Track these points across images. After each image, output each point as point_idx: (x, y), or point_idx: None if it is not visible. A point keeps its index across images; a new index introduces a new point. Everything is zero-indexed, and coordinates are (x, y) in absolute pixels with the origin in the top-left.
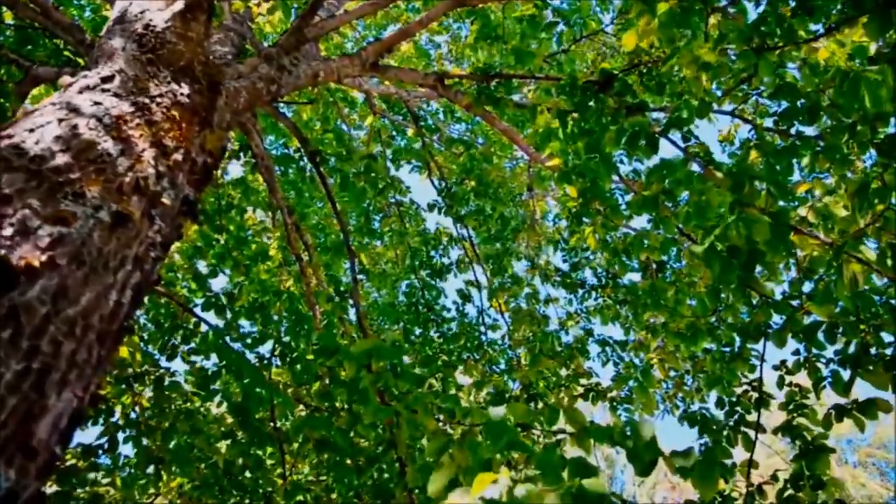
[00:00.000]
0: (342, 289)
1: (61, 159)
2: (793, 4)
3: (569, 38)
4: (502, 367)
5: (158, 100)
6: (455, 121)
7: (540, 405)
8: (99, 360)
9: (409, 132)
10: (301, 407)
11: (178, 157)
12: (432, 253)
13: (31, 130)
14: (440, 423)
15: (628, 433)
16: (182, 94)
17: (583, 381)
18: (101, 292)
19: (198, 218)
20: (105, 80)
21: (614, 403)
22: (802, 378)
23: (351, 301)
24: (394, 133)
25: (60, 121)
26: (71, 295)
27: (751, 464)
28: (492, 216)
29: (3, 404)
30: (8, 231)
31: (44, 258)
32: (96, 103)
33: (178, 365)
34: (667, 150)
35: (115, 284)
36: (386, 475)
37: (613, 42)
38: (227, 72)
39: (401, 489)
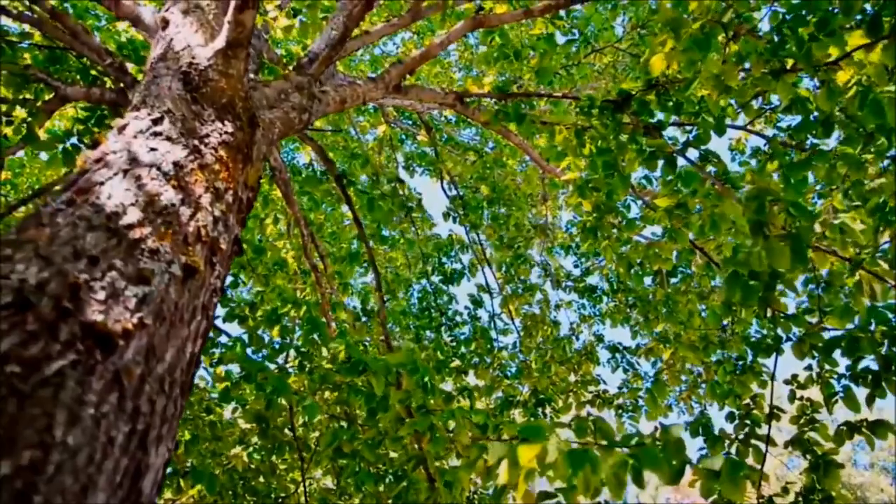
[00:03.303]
0: (369, 307)
1: (133, 215)
2: (807, 19)
3: (583, 52)
4: (513, 371)
5: (206, 140)
6: (464, 125)
7: (548, 410)
8: (181, 410)
9: (420, 138)
10: (321, 415)
11: (228, 198)
12: (443, 259)
13: (102, 184)
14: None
15: (657, 441)
16: (226, 132)
17: (590, 387)
18: (180, 346)
19: (243, 252)
20: (155, 122)
21: (620, 411)
22: (813, 393)
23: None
24: (403, 137)
25: (125, 172)
26: (158, 353)
27: (761, 477)
28: (506, 223)
29: (118, 466)
30: (101, 295)
31: (134, 320)
32: (152, 149)
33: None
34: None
35: (190, 336)
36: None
37: (625, 55)
38: (256, 96)
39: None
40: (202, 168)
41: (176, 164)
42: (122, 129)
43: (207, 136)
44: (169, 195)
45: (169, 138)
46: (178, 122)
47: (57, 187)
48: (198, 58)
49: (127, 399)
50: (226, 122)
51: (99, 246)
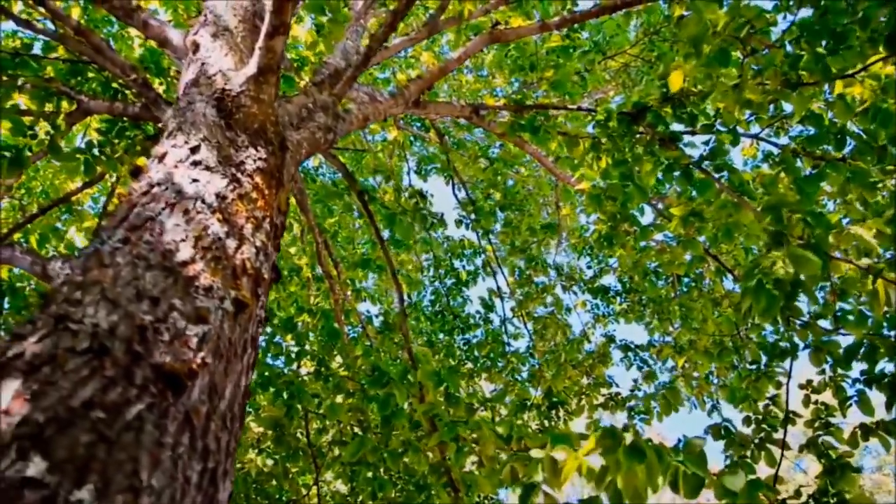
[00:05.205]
0: (391, 320)
1: (186, 251)
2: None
3: (596, 58)
4: (525, 374)
5: (242, 167)
6: (475, 125)
7: (561, 413)
8: (237, 442)
9: (430, 138)
10: (335, 418)
11: (266, 226)
12: (455, 262)
13: (153, 219)
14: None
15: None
16: (260, 158)
17: (603, 390)
18: (236, 381)
19: (281, 277)
20: (193, 150)
21: (632, 412)
22: (827, 397)
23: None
24: (412, 139)
25: (172, 206)
26: (219, 390)
27: (776, 480)
28: (518, 227)
29: (194, 503)
30: (166, 336)
31: (198, 360)
32: (194, 180)
33: None
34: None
35: (243, 369)
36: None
37: (638, 59)
38: (279, 113)
39: None
40: (241, 197)
41: (218, 195)
42: (161, 157)
43: (243, 163)
44: (215, 228)
45: (208, 167)
46: (214, 149)
47: (110, 221)
48: (230, 84)
49: (197, 438)
50: (259, 148)
51: (158, 286)
